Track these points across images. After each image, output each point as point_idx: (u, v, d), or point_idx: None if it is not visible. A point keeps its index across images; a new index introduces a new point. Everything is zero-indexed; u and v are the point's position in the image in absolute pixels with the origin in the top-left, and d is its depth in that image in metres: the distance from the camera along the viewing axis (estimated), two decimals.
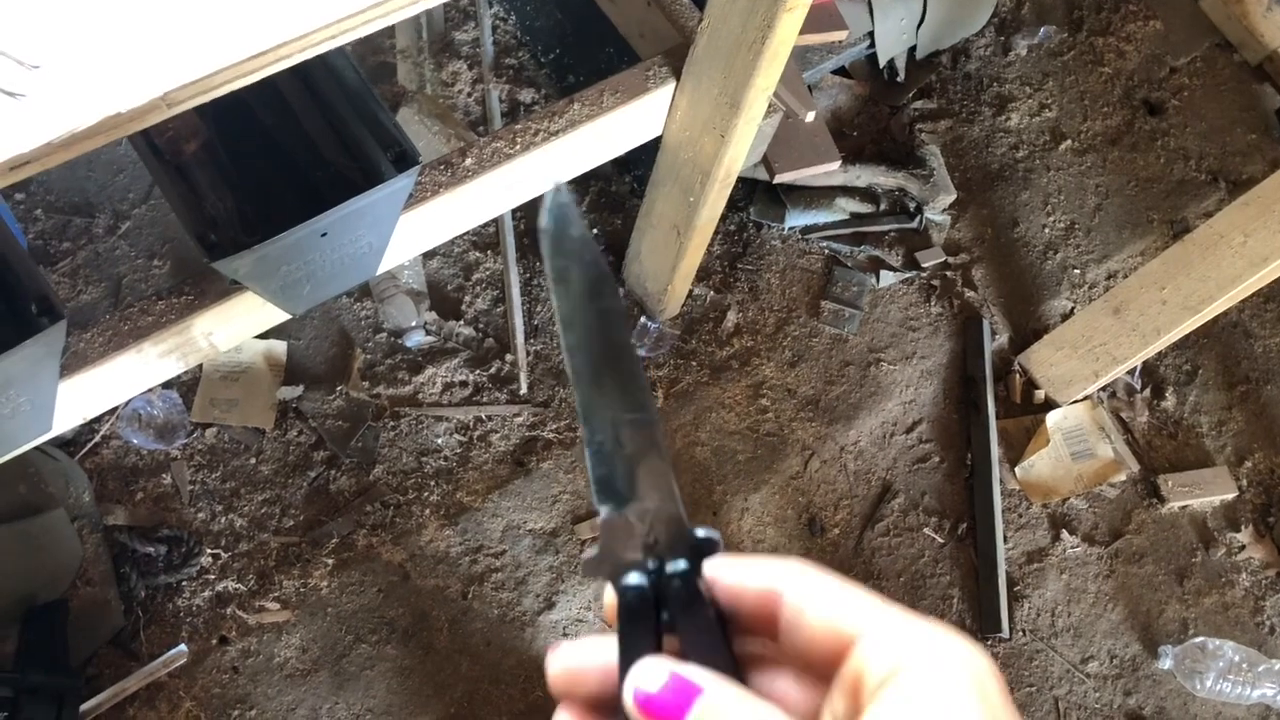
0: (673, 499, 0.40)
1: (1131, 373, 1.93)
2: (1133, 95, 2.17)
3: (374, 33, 0.74)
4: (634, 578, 0.39)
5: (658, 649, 0.38)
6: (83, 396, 1.14)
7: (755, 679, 0.39)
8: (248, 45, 0.65)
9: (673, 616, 0.38)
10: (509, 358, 1.76)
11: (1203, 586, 1.80)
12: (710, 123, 1.36)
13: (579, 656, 0.39)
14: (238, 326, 1.22)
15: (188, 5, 0.66)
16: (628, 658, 0.37)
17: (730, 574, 0.39)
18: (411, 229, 1.26)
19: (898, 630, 0.35)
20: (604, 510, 0.40)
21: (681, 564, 0.39)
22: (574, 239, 0.40)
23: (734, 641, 0.39)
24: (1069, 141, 2.11)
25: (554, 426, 1.74)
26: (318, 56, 0.79)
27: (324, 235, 1.07)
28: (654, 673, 0.35)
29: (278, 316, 1.23)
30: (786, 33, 1.18)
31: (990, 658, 0.35)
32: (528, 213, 1.85)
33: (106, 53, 0.62)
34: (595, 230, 1.87)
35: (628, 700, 0.36)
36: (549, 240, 0.40)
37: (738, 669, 0.37)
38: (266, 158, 1.19)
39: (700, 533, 0.39)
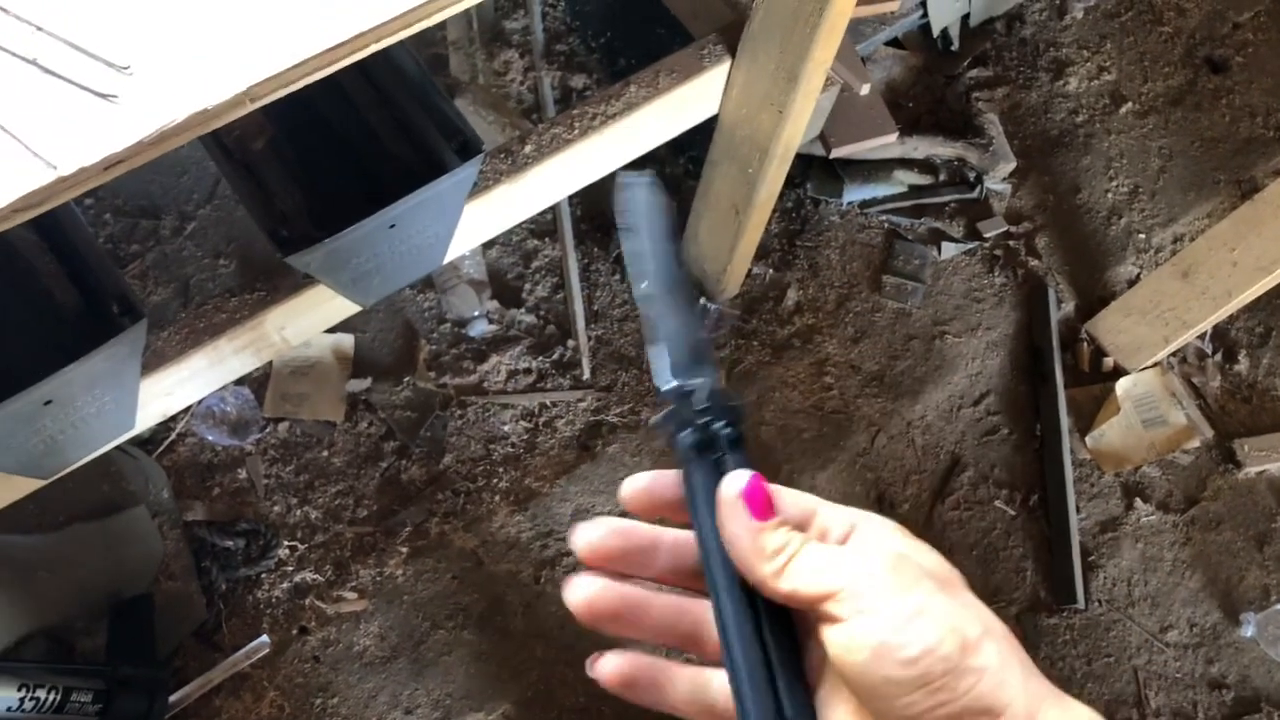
0: (717, 378, 0.51)
1: (1202, 337, 1.90)
2: (1194, 53, 2.13)
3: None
4: (691, 433, 0.49)
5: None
6: (163, 394, 1.17)
7: None
8: (326, 38, 0.66)
9: (721, 457, 0.49)
10: (571, 343, 1.77)
11: None
12: (768, 99, 1.35)
13: (656, 483, 0.50)
14: (309, 320, 1.24)
15: (269, 1, 0.67)
16: (705, 482, 0.48)
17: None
18: (475, 218, 1.26)
19: (834, 507, 0.47)
20: (668, 385, 0.51)
21: (730, 428, 0.49)
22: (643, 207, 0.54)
23: None
24: (1130, 104, 2.07)
25: (618, 410, 1.74)
26: (378, 50, 0.80)
27: (392, 227, 1.09)
28: (743, 476, 0.47)
29: (347, 309, 1.25)
30: (844, 4, 1.17)
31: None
32: (585, 199, 1.85)
33: (193, 52, 0.63)
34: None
35: (730, 496, 0.46)
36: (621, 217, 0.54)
37: None
38: (332, 152, 1.20)
39: (734, 400, 0.50)
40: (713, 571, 0.47)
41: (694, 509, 0.48)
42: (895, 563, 0.44)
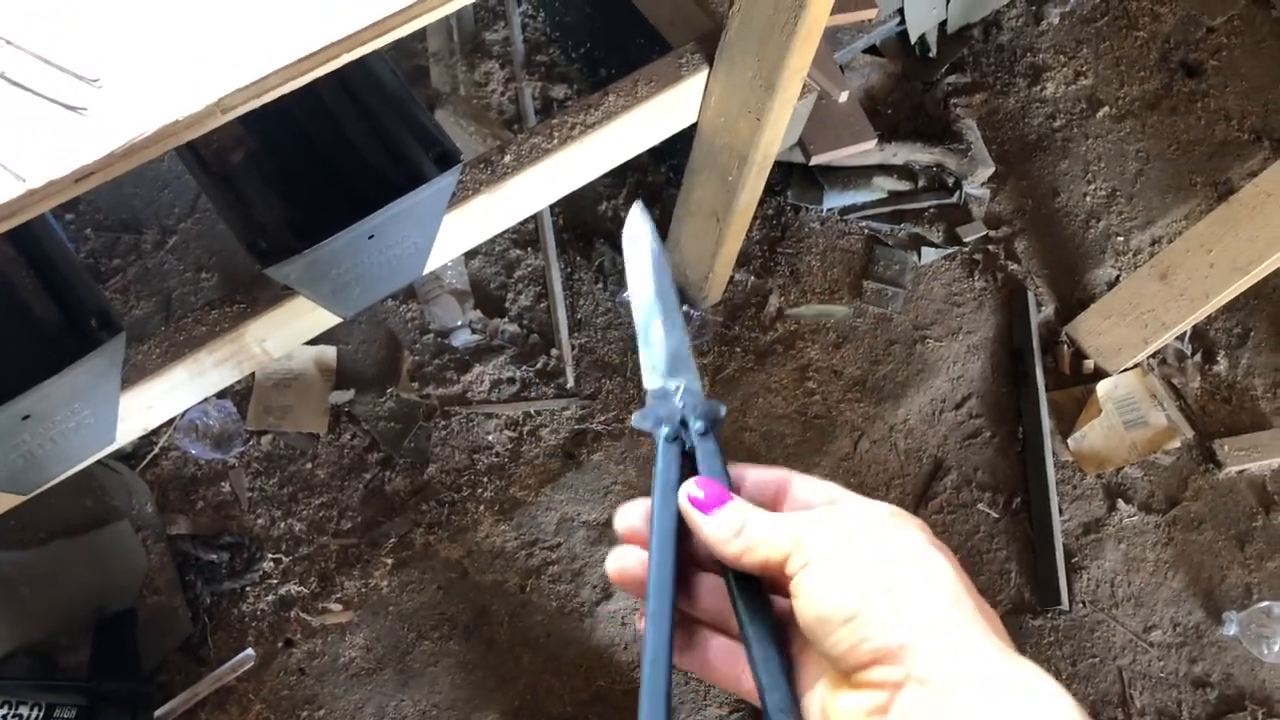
0: (698, 381, 0.59)
1: (1181, 338, 1.91)
2: (1170, 57, 2.15)
3: (407, 37, 0.76)
4: (667, 429, 0.57)
5: (688, 473, 0.56)
6: (143, 408, 1.16)
7: None
8: (297, 48, 0.66)
9: (695, 454, 0.56)
10: (554, 352, 1.77)
11: (1265, 551, 1.78)
12: (746, 106, 1.36)
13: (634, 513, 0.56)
14: (289, 332, 1.24)
15: (239, 12, 0.67)
16: (668, 479, 0.55)
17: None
18: (455, 228, 1.27)
19: (814, 481, 0.54)
20: (654, 384, 0.59)
21: (700, 422, 0.57)
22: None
23: None
24: (1107, 108, 2.09)
25: (602, 418, 1.75)
26: (356, 61, 0.80)
27: (371, 237, 1.09)
28: (702, 483, 0.54)
29: (328, 321, 1.25)
30: (819, 12, 1.18)
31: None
32: (566, 208, 1.86)
33: (163, 64, 0.63)
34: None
35: (683, 503, 0.53)
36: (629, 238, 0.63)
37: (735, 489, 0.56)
38: (311, 164, 1.20)
39: (712, 403, 0.58)
40: (656, 546, 0.54)
41: (656, 491, 0.55)
42: (832, 514, 0.50)
